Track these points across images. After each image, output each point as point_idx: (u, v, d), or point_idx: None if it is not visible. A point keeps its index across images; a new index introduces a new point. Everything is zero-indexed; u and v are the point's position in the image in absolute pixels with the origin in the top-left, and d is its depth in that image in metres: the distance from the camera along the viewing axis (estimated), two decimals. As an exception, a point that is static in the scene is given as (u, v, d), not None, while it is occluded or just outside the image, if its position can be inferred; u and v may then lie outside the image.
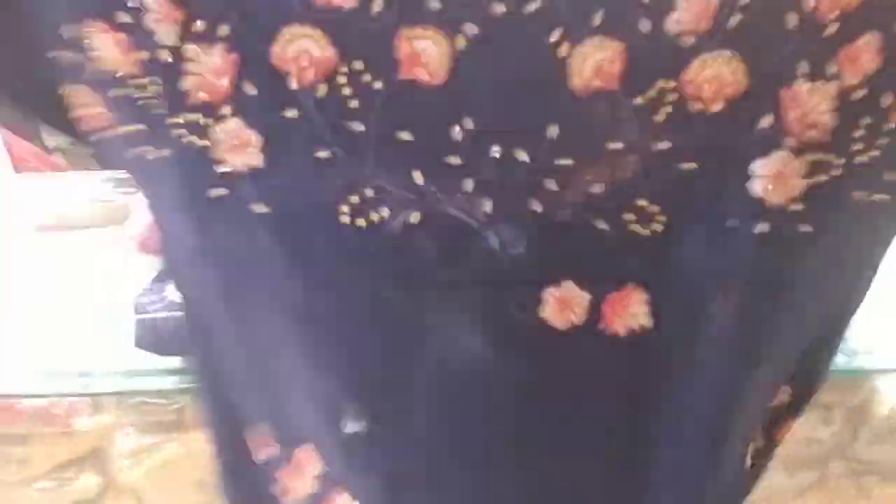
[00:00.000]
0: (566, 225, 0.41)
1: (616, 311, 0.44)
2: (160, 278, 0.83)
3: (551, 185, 0.40)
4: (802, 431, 0.98)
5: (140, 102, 0.39)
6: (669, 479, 0.50)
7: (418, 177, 0.40)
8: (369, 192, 0.40)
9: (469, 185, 0.40)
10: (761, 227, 0.41)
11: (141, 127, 0.40)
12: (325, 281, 0.43)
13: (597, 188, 0.40)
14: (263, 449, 0.53)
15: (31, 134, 0.51)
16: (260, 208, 0.41)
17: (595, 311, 0.44)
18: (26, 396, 0.91)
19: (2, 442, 0.96)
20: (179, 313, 0.80)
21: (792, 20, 0.37)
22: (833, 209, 0.41)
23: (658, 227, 0.41)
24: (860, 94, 0.39)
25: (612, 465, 0.51)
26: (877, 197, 0.41)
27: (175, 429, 0.97)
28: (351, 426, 0.47)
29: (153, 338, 0.81)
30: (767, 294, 0.43)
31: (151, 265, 0.83)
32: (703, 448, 0.49)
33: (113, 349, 0.87)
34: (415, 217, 0.41)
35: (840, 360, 0.87)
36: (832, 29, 0.37)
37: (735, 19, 0.37)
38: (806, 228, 0.41)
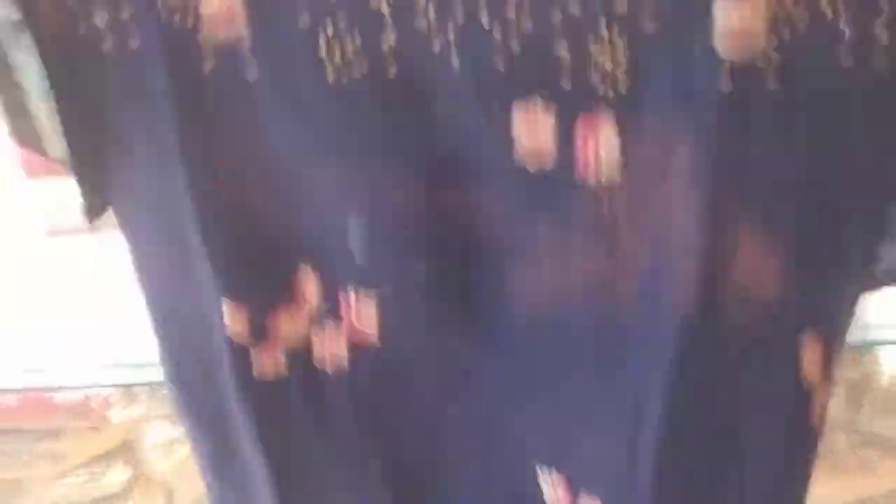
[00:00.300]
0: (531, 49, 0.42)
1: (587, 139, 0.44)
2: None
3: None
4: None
5: None
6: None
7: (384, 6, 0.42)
8: (341, 24, 0.42)
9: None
10: (727, 86, 0.41)
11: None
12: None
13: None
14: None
15: (32, 142, 0.54)
16: (252, 75, 0.44)
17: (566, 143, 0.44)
18: (60, 389, 0.94)
19: (35, 437, 0.98)
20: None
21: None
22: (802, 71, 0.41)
23: (622, 90, 0.42)
24: None
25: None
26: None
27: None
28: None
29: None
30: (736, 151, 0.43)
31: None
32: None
33: (144, 341, 0.90)
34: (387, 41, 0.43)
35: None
36: None
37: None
38: (773, 86, 0.41)
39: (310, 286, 0.50)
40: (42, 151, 0.51)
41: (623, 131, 0.43)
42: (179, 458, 1.02)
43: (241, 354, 0.50)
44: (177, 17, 0.43)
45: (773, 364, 0.49)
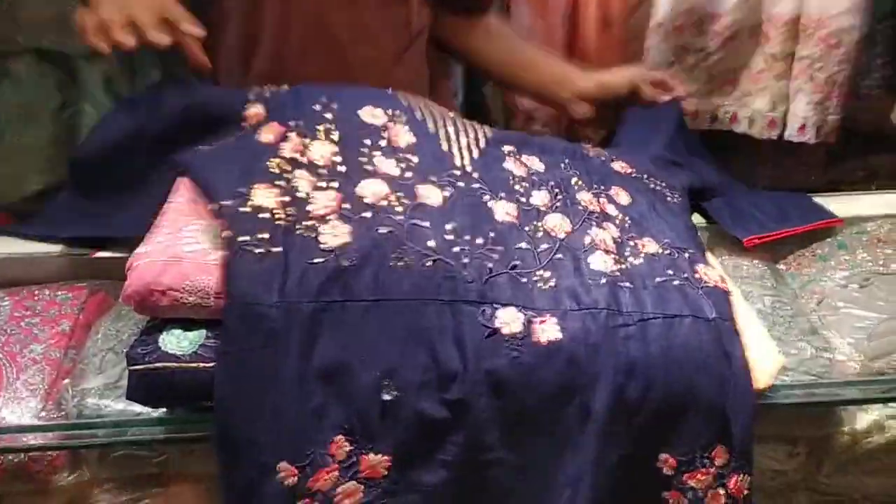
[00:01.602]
0: None
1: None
2: (153, 328, 0.83)
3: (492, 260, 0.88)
4: (768, 464, 1.02)
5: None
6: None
7: (431, 243, 0.87)
8: (409, 251, 0.85)
9: (455, 249, 0.88)
10: (603, 281, 0.90)
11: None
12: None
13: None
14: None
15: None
16: (346, 263, 0.82)
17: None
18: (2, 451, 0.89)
19: (-28, 503, 0.94)
20: (174, 364, 0.81)
21: (580, 206, 0.99)
22: None
23: (552, 285, 0.88)
24: (620, 240, 0.96)
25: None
26: None
27: (156, 483, 0.96)
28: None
29: (146, 390, 0.81)
30: None
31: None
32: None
33: (96, 400, 0.87)
34: (429, 262, 0.85)
35: (803, 393, 0.93)
36: (595, 214, 0.99)
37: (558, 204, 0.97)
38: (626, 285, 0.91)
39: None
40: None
41: None
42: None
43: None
44: None
45: None
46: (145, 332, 0.83)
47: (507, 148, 1.03)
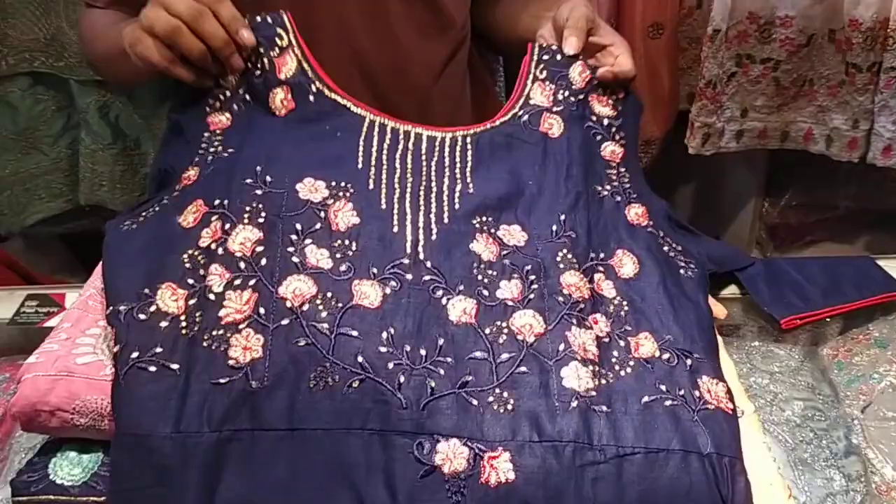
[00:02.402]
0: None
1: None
2: (48, 448, 0.74)
3: (436, 377, 0.73)
4: None
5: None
6: None
7: (360, 358, 0.72)
8: (332, 370, 0.71)
9: (390, 365, 0.72)
10: (574, 404, 0.72)
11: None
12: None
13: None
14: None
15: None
16: (256, 385, 0.70)
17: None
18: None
19: None
20: (62, 497, 0.71)
21: (560, 297, 0.80)
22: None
23: (510, 408, 0.73)
24: (607, 339, 0.79)
25: None
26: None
27: None
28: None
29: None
30: None
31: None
32: None
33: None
34: (356, 383, 0.71)
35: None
36: (581, 306, 0.79)
37: (531, 296, 0.80)
38: (602, 409, 0.73)
39: None
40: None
41: None
42: None
43: None
44: None
45: None
46: (40, 451, 0.74)
47: (479, 220, 0.85)
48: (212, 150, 0.88)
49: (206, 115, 0.90)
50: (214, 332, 0.72)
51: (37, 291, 1.04)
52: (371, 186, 0.84)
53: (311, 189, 0.82)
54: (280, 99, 0.89)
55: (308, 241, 0.78)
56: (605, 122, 0.96)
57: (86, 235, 1.50)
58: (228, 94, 0.90)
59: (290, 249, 0.77)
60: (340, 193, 0.83)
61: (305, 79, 0.90)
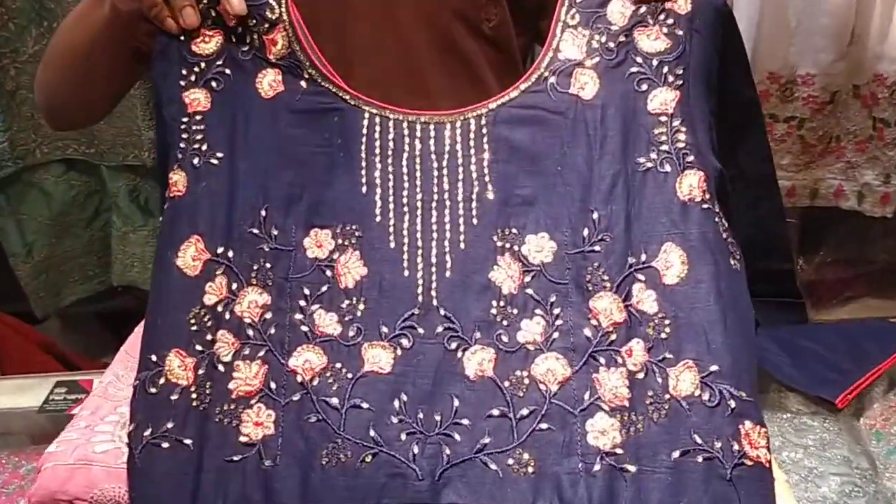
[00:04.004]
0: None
1: None
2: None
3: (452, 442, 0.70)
4: None
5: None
6: None
7: (372, 432, 0.70)
8: (344, 446, 0.70)
9: (403, 436, 0.70)
10: (598, 467, 0.68)
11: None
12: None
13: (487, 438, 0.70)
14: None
15: None
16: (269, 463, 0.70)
17: None
18: None
19: None
20: None
21: (588, 331, 0.73)
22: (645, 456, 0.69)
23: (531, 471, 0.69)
24: (641, 375, 0.71)
25: None
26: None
27: None
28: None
29: None
30: None
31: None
32: None
33: None
34: (368, 457, 0.69)
35: None
36: (613, 337, 0.72)
37: (555, 335, 0.73)
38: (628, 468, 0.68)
39: None
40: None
41: None
42: None
43: None
44: None
45: None
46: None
47: (500, 233, 0.76)
48: (195, 146, 0.80)
49: (180, 90, 0.80)
50: (226, 407, 0.72)
51: (66, 378, 1.06)
52: (378, 218, 0.78)
53: (317, 243, 0.78)
54: (269, 81, 0.81)
55: (316, 305, 0.76)
56: (655, 61, 0.77)
57: (119, 314, 1.53)
58: (204, 65, 0.81)
59: (299, 317, 0.75)
60: (347, 242, 0.78)
61: (297, 62, 0.80)
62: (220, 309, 0.76)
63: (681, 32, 0.77)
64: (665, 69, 0.78)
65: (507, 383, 0.72)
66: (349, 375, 0.73)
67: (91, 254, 1.47)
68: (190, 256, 0.77)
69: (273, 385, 0.73)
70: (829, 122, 1.38)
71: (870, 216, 1.43)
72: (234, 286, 0.76)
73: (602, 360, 0.72)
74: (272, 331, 0.75)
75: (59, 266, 1.45)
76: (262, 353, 0.74)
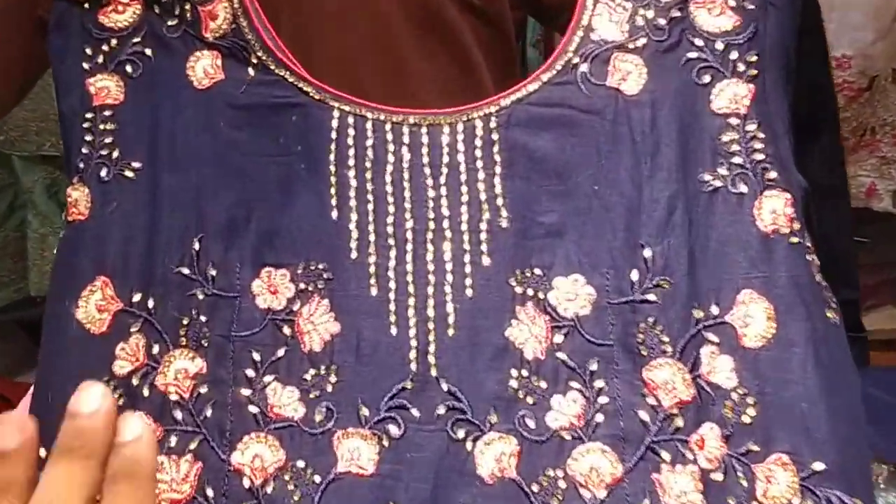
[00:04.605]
0: None
1: None
2: None
3: None
4: None
5: None
6: None
7: None
8: None
9: None
10: None
11: None
12: None
13: None
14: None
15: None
16: None
17: None
18: None
19: None
20: None
21: (644, 413, 0.52)
22: None
23: None
24: (719, 475, 0.50)
25: None
26: None
27: None
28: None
29: None
30: None
31: None
32: None
33: None
34: None
35: None
36: (679, 422, 0.51)
37: (599, 417, 0.52)
38: None
39: None
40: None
41: None
42: None
43: None
44: None
45: None
46: None
47: (519, 276, 0.56)
48: (102, 152, 0.60)
49: (83, 75, 0.61)
50: None
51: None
52: (354, 255, 0.58)
53: (269, 289, 0.57)
54: (204, 67, 0.61)
55: (269, 377, 0.56)
56: (720, 44, 0.58)
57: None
58: (116, 42, 0.61)
59: (246, 393, 0.55)
60: (311, 287, 0.57)
61: (242, 42, 0.60)
62: (135, 381, 0.55)
63: (752, 6, 0.57)
64: (734, 55, 0.58)
65: (535, 487, 0.52)
66: (316, 479, 0.52)
67: (5, 257, 1.29)
68: (94, 306, 0.56)
69: (210, 492, 0.52)
70: (865, 111, 1.24)
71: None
72: (156, 349, 0.56)
73: (665, 455, 0.52)
74: (208, 412, 0.54)
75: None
76: (194, 445, 0.53)
